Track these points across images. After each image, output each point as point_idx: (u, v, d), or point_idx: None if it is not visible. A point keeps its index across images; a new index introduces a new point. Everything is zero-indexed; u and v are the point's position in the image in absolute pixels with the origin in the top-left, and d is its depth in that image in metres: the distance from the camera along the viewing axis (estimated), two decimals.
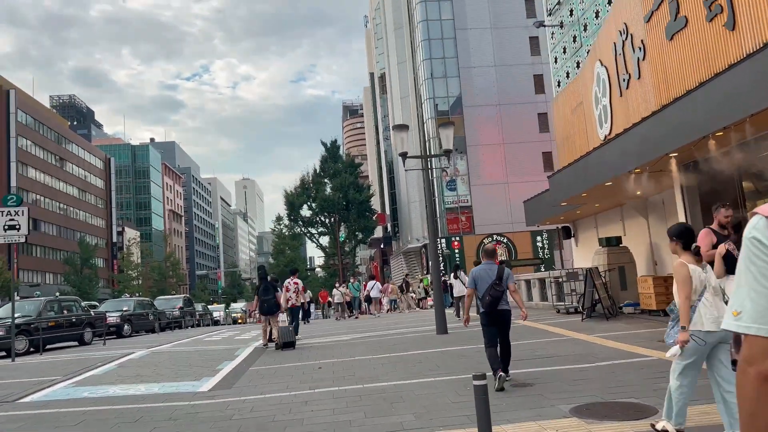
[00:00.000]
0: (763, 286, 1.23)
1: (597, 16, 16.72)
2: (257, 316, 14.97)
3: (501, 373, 6.77)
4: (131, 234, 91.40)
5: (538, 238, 45.93)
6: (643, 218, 14.98)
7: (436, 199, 49.50)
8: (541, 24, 20.14)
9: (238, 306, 56.72)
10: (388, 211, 64.11)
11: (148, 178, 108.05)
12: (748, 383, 1.23)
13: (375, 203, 63.49)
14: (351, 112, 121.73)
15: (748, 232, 1.29)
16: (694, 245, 4.53)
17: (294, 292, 14.89)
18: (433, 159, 14.49)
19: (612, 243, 14.66)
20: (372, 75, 77.03)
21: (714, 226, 6.76)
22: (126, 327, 23.27)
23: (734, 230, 6.52)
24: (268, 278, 14.59)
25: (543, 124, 48.51)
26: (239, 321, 44.98)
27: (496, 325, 7.13)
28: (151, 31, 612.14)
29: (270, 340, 14.16)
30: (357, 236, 57.85)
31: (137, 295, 58.35)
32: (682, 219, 10.97)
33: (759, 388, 1.21)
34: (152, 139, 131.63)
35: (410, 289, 28.81)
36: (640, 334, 10.84)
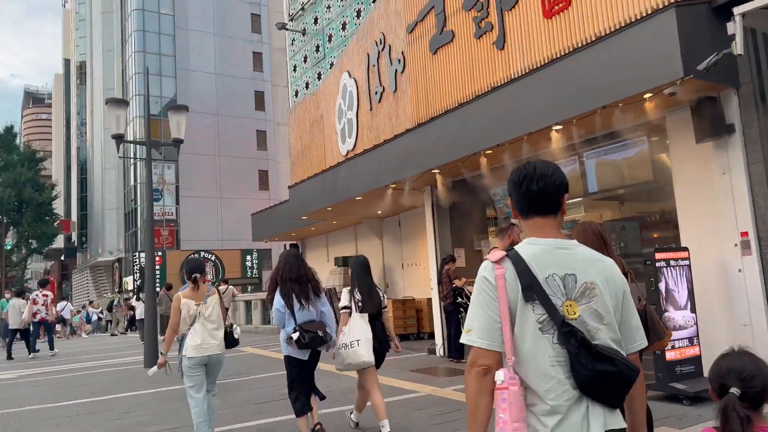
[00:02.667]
0: (486, 312, 1.75)
1: (344, 28, 16.16)
2: None
3: None
4: None
5: (248, 257, 44.34)
6: (378, 238, 14.60)
7: (137, 209, 44.29)
8: (284, 27, 18.90)
9: None
10: (74, 218, 55.28)
11: None
12: (471, 380, 1.74)
13: (58, 207, 54.10)
14: (36, 100, 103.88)
15: (480, 272, 1.80)
16: (194, 276, 5.06)
17: (43, 304, 14.66)
18: (138, 162, 11.68)
19: (348, 263, 13.86)
20: (68, 61, 66.69)
21: (503, 245, 5.87)
22: None
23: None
24: None
25: (261, 142, 47.65)
26: None
27: None
28: None
29: None
30: (30, 244, 48.12)
31: None
32: (431, 239, 10.58)
33: (479, 382, 1.72)
34: None
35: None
36: (388, 362, 9.96)
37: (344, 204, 11.99)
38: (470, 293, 9.40)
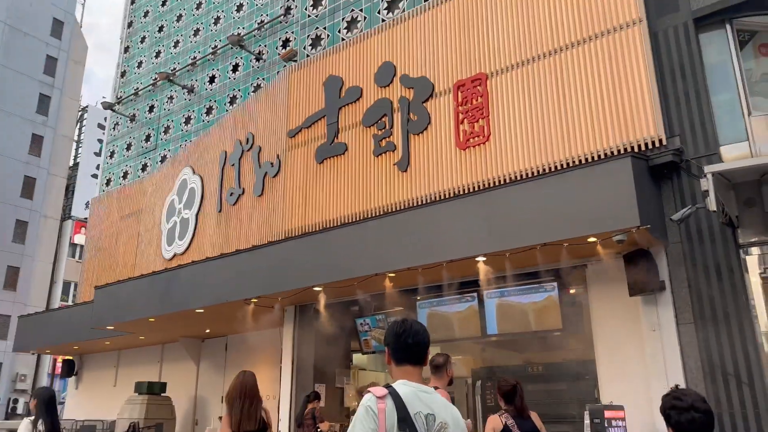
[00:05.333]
0: None
1: (188, 122, 14.68)
2: None
3: None
4: None
5: None
6: (194, 363, 12.24)
7: None
8: (110, 107, 16.60)
9: None
10: None
11: None
12: None
13: None
14: None
15: (365, 402, 2.17)
16: None
17: None
18: None
19: (155, 390, 11.21)
20: None
21: (442, 384, 4.63)
22: None
23: (504, 399, 4.75)
24: None
25: (20, 234, 40.56)
26: None
27: None
28: None
29: None
30: None
31: None
32: (288, 370, 8.94)
33: None
34: None
35: None
36: None
37: (175, 316, 9.84)
38: None
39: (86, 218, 43.99)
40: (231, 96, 13.75)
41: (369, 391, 2.21)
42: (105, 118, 47.20)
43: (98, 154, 44.95)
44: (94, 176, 43.95)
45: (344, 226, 8.02)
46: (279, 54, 12.76)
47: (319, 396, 8.27)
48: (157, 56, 16.46)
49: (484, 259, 6.68)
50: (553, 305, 7.15)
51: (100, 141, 45.52)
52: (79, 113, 47.72)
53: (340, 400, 9.26)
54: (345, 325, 9.36)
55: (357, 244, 7.65)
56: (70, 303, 37.76)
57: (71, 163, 45.81)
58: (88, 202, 45.39)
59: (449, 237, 6.87)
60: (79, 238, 42.79)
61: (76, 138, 48.05)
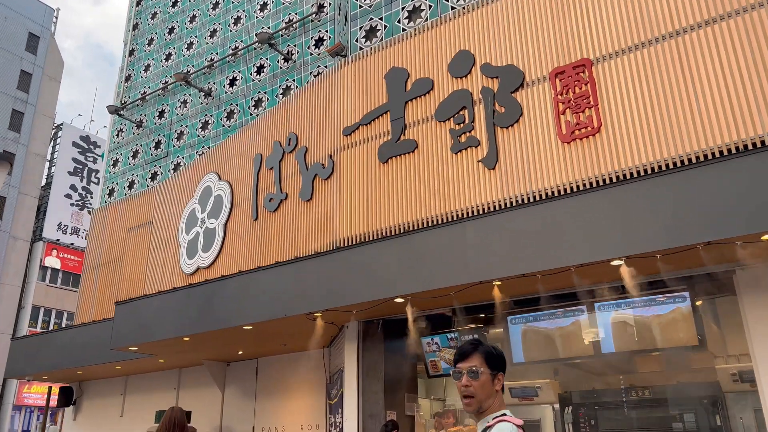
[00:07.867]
0: None
1: (205, 127, 13.57)
2: None
3: None
4: None
5: None
6: (219, 389, 10.91)
7: None
8: (117, 111, 15.33)
9: None
10: None
11: None
12: None
13: None
14: None
15: (506, 428, 2.12)
16: None
17: None
18: None
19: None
20: None
21: None
22: None
23: None
24: None
25: None
26: None
27: None
28: None
29: None
30: None
31: None
32: (351, 391, 7.76)
33: None
34: None
35: None
36: None
37: (214, 334, 8.61)
38: None
39: (58, 240, 41.99)
40: (256, 99, 12.75)
41: (507, 420, 2.09)
42: (80, 137, 45.50)
43: (72, 174, 43.13)
44: (68, 196, 42.10)
45: (435, 228, 7.00)
46: (312, 52, 11.87)
47: (398, 426, 7.12)
48: (167, 59, 15.38)
49: (622, 263, 5.74)
50: (684, 318, 6.23)
51: (75, 160, 43.76)
52: (53, 131, 45.92)
53: (410, 430, 8.08)
54: (412, 344, 8.28)
55: (453, 248, 6.64)
56: (39, 330, 35.51)
57: (43, 182, 43.94)
58: (60, 223, 43.44)
59: (574, 238, 5.93)
60: (51, 261, 40.69)
61: (49, 157, 46.13)
